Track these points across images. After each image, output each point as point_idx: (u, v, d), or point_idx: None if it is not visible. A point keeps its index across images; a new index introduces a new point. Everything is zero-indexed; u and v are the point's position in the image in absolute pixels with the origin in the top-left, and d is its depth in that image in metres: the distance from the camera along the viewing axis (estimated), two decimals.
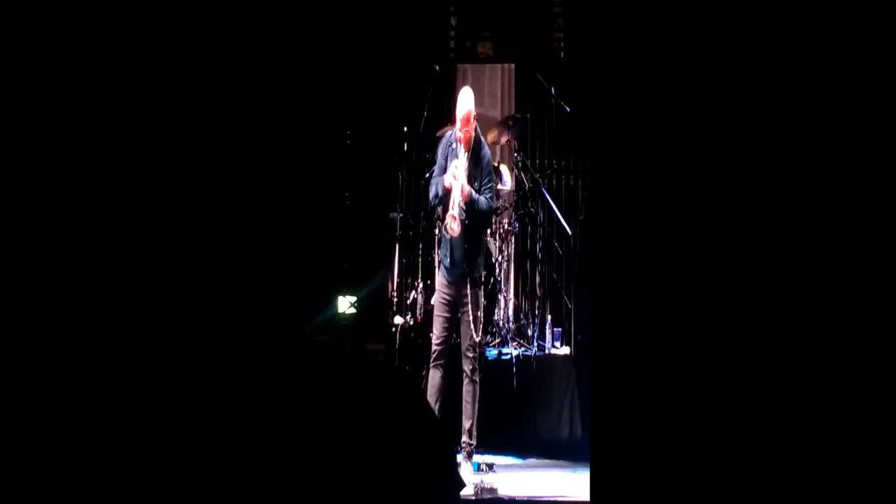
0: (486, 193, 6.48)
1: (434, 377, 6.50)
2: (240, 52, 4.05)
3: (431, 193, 6.63)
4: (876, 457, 3.46)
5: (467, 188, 6.38)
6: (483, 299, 6.62)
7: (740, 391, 3.61)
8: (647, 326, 3.70)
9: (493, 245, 8.26)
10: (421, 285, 8.30)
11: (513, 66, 10.05)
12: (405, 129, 8.81)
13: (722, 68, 3.71)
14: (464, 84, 10.10)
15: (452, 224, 6.35)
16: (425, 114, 8.77)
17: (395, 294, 8.42)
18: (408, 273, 8.58)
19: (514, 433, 7.36)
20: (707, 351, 3.64)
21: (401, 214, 8.56)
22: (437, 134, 9.29)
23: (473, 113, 6.51)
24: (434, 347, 6.54)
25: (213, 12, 4.02)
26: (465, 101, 6.53)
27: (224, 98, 4.01)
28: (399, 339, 7.83)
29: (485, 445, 6.72)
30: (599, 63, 3.87)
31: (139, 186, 3.92)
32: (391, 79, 9.34)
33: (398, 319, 8.19)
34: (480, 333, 6.50)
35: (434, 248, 8.37)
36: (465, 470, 6.35)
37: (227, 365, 3.91)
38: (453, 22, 10.03)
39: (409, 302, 8.37)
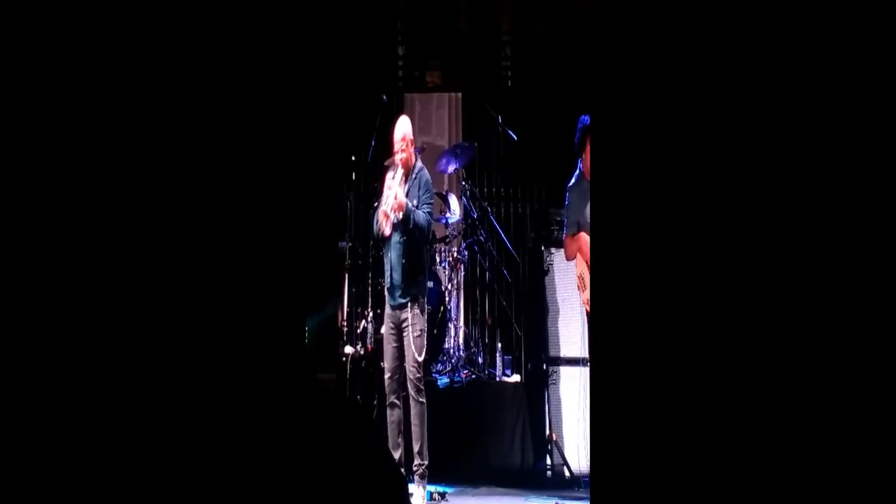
0: (424, 208, 6.51)
1: (392, 415, 6.52)
2: (191, 77, 4.04)
3: (375, 227, 6.66)
4: (876, 457, 3.48)
5: (402, 198, 6.42)
6: (425, 322, 6.58)
7: (741, 399, 3.63)
8: (648, 334, 3.71)
9: (443, 274, 8.26)
10: (371, 314, 8.27)
11: (460, 94, 10.10)
12: (353, 158, 8.82)
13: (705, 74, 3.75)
14: (412, 113, 10.19)
15: (384, 223, 6.41)
16: (373, 143, 8.78)
17: (345, 323, 8.39)
18: (357, 302, 8.56)
19: (465, 462, 7.34)
20: (709, 357, 3.66)
21: (349, 244, 8.55)
22: (385, 163, 9.31)
23: (410, 137, 6.63)
24: (386, 381, 6.53)
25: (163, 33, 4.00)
26: (401, 125, 6.69)
27: (175, 120, 3.99)
28: (350, 368, 7.79)
29: (437, 474, 6.69)
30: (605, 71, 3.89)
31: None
32: (339, 108, 9.34)
33: (348, 349, 8.16)
34: (423, 354, 6.47)
35: (384, 276, 8.37)
36: (418, 495, 6.33)
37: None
38: (401, 51, 10.07)
39: (359, 331, 8.34)
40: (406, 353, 6.44)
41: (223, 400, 3.91)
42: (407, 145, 6.59)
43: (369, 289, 8.45)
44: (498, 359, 8.38)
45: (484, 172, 9.81)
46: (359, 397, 7.53)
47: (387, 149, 9.05)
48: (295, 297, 4.12)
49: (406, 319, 6.43)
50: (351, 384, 7.66)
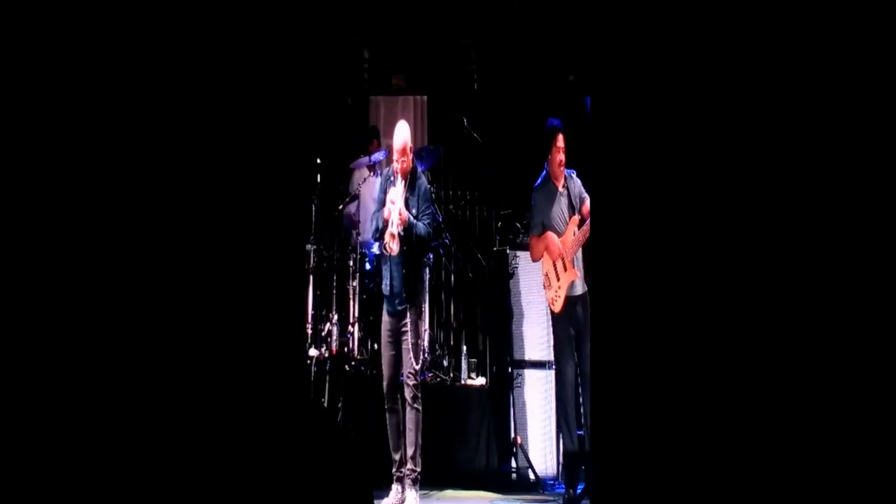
0: (425, 219, 6.53)
1: (391, 419, 6.56)
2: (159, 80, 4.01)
3: (372, 227, 6.67)
4: (876, 456, 3.49)
5: (405, 213, 6.45)
6: (424, 328, 6.65)
7: (740, 397, 3.63)
8: (648, 338, 3.71)
9: None
10: (335, 317, 8.24)
11: (425, 98, 10.09)
12: (318, 160, 8.78)
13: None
14: (377, 116, 10.17)
15: (391, 243, 6.40)
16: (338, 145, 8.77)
17: (309, 326, 8.36)
18: (322, 305, 8.52)
19: (430, 464, 7.32)
20: (707, 360, 3.66)
21: (314, 246, 8.52)
22: (351, 165, 9.28)
23: (410, 145, 6.61)
24: (385, 388, 6.58)
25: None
26: (402, 132, 6.63)
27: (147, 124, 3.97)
28: (314, 371, 7.76)
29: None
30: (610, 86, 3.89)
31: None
32: (304, 110, 9.29)
33: (313, 352, 8.13)
34: (421, 361, 6.53)
35: (349, 279, 8.34)
36: (411, 498, 6.41)
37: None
38: (366, 54, 10.06)
39: (323, 334, 8.31)
40: (404, 360, 6.51)
41: (191, 403, 3.89)
42: (407, 154, 6.58)
43: (334, 291, 8.42)
44: (463, 362, 8.37)
45: (449, 175, 9.80)
46: (324, 400, 7.50)
47: (351, 151, 9.06)
48: (265, 298, 4.11)
49: (405, 324, 6.48)
50: (315, 387, 7.62)
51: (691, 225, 3.74)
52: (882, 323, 3.54)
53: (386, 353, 6.58)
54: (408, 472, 6.45)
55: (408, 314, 6.49)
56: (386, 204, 6.53)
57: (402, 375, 6.53)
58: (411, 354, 6.44)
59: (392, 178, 6.64)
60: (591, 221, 6.57)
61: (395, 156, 6.60)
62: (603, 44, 4.01)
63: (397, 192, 6.52)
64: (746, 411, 3.63)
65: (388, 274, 6.56)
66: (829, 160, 3.64)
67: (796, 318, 3.62)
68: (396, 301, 6.52)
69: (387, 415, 6.57)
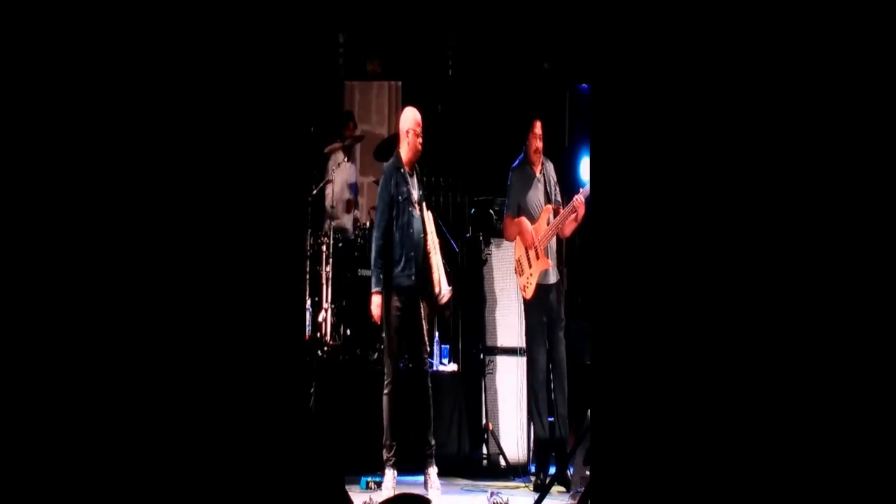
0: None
1: (390, 403, 6.66)
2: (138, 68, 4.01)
3: (381, 228, 6.66)
4: (875, 457, 3.52)
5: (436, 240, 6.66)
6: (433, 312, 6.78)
7: (741, 396, 3.65)
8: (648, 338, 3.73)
9: None
10: (309, 302, 8.23)
11: (399, 83, 10.07)
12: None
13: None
14: (352, 100, 10.13)
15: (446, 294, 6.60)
16: (311, 130, 8.71)
17: None
18: None
19: (401, 450, 7.34)
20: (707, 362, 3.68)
21: None
22: (326, 151, 9.25)
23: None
24: (392, 371, 6.65)
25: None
26: (413, 112, 6.85)
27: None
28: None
29: (373, 463, 6.71)
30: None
31: None
32: (278, 95, 9.23)
33: None
34: (429, 346, 6.69)
35: (322, 265, 8.32)
36: (434, 473, 6.62)
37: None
38: (341, 39, 10.01)
39: None
40: (418, 343, 6.63)
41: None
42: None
43: (307, 277, 8.40)
44: (435, 348, 8.38)
45: (424, 161, 9.77)
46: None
47: (326, 136, 9.02)
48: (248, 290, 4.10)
49: (419, 312, 6.61)
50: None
51: (689, 221, 3.76)
52: (875, 324, 3.57)
53: (399, 338, 6.62)
54: (429, 450, 6.62)
55: (421, 301, 6.60)
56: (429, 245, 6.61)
57: (414, 360, 6.69)
58: (426, 339, 6.60)
59: (403, 171, 6.71)
60: (589, 215, 6.59)
61: (417, 130, 6.69)
62: (589, 34, 4.03)
63: (430, 231, 6.62)
64: (744, 409, 3.66)
65: (413, 267, 6.58)
66: (827, 155, 3.66)
67: (795, 316, 3.64)
68: (418, 289, 6.57)
69: (387, 398, 6.64)
